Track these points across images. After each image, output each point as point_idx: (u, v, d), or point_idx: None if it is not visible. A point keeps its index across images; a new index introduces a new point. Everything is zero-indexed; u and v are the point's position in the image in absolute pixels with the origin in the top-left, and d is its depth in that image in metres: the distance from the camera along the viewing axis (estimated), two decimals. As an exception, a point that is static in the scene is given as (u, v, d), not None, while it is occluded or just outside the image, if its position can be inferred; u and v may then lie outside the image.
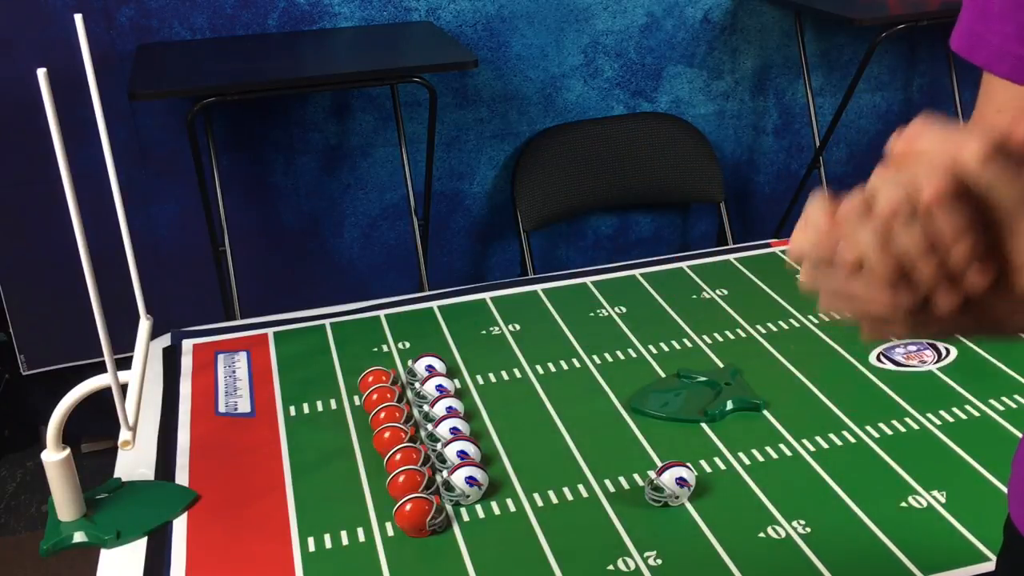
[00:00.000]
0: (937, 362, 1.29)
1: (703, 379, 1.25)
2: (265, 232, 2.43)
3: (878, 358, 1.31)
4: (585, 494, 1.07)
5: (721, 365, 1.29)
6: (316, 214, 2.45)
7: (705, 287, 1.52)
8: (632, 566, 0.96)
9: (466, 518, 1.04)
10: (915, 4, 2.35)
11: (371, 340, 1.39)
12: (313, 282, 2.52)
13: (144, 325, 1.14)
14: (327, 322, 1.44)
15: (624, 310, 1.46)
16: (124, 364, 1.01)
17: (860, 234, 0.48)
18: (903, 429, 1.16)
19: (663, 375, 1.28)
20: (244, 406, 1.24)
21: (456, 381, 1.27)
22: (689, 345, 1.36)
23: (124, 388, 0.99)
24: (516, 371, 1.31)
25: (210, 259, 2.23)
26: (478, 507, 1.05)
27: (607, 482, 1.09)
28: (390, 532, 1.02)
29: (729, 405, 1.20)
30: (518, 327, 1.42)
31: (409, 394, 1.24)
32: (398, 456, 1.08)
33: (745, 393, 1.22)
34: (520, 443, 1.16)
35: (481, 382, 1.28)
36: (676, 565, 0.97)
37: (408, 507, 1.00)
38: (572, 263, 2.69)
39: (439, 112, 2.21)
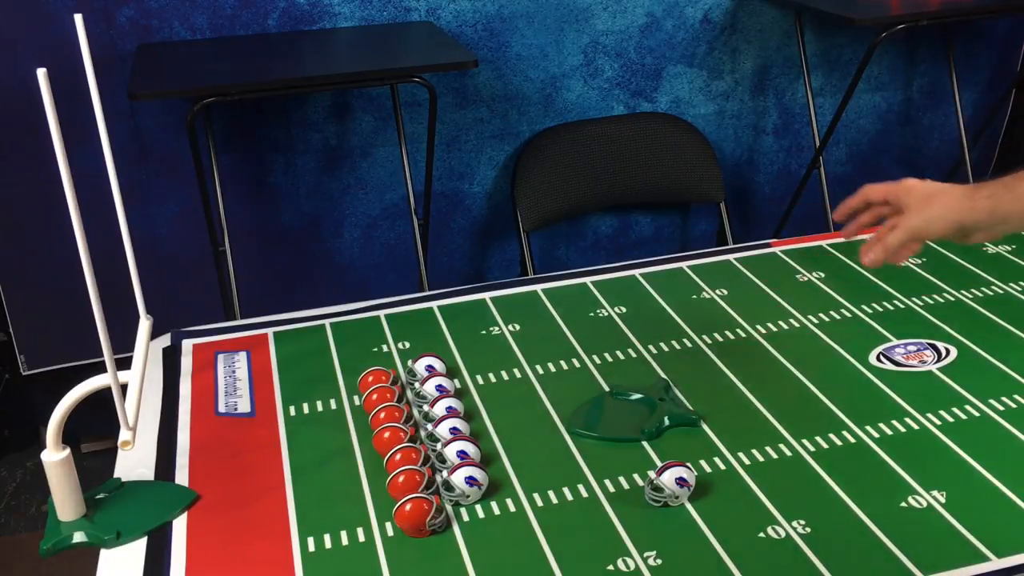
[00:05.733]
0: (937, 362, 1.29)
1: (637, 396, 1.23)
2: (265, 232, 2.43)
3: (878, 358, 1.31)
4: (585, 494, 1.07)
5: (660, 374, 1.28)
6: (316, 214, 2.45)
7: (705, 287, 1.52)
8: (632, 566, 0.96)
9: (466, 518, 1.04)
10: (915, 4, 2.35)
11: (371, 340, 1.39)
12: (313, 282, 2.52)
13: (144, 325, 1.14)
14: (327, 322, 1.44)
15: (624, 310, 1.46)
16: (124, 364, 1.01)
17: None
18: (903, 429, 1.16)
19: (663, 375, 1.28)
20: (244, 406, 1.24)
21: (456, 381, 1.27)
22: (689, 345, 1.36)
23: (124, 388, 0.99)
24: (516, 371, 1.31)
25: (210, 259, 2.23)
26: (478, 507, 1.05)
27: (607, 482, 1.09)
28: (390, 532, 1.02)
29: (666, 421, 1.18)
30: (518, 327, 1.42)
31: (409, 394, 1.24)
32: (398, 456, 1.08)
33: (680, 408, 1.20)
34: (520, 443, 1.16)
35: (481, 382, 1.29)
36: (676, 565, 0.97)
37: (408, 507, 1.00)
38: (572, 263, 2.69)
39: (439, 112, 2.21)
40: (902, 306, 1.44)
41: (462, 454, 1.09)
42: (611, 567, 0.96)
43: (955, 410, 1.19)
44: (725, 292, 1.50)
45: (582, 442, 1.16)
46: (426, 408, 1.19)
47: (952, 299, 1.45)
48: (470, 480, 1.05)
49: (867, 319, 1.41)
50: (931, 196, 1.10)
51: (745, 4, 2.54)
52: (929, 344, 1.33)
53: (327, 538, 1.01)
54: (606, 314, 1.45)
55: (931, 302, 1.44)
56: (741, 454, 1.13)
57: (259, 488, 1.09)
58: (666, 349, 1.35)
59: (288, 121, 2.33)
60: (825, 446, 1.14)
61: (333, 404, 1.25)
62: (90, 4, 2.09)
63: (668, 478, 1.04)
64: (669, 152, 2.52)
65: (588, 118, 2.55)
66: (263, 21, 2.23)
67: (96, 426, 2.21)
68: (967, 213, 1.07)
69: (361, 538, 1.01)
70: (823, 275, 1.54)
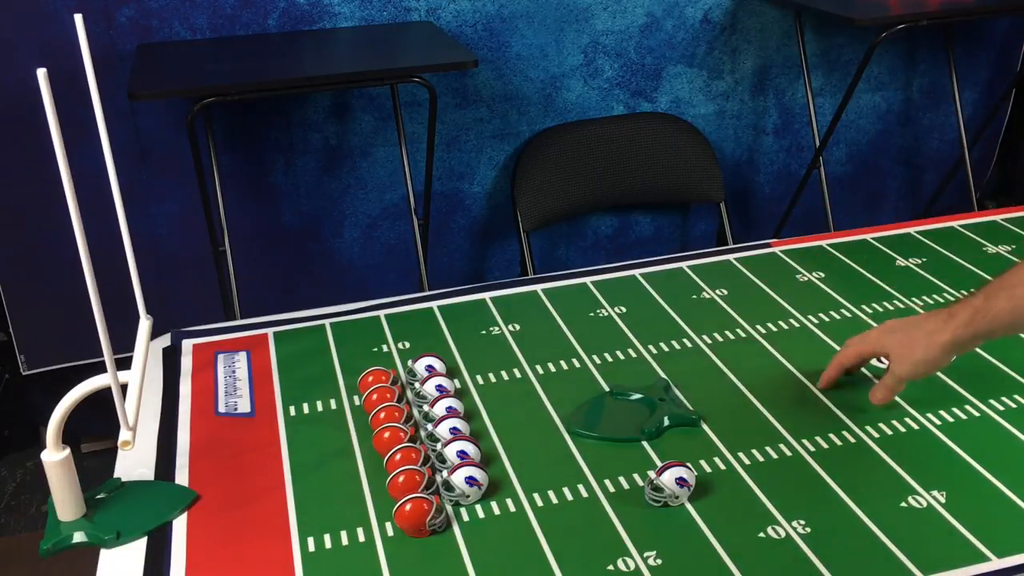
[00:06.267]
0: (937, 362, 1.29)
1: (637, 396, 1.23)
2: (265, 232, 2.43)
3: (879, 358, 1.31)
4: (585, 494, 1.07)
5: (660, 374, 1.28)
6: (316, 214, 2.45)
7: (705, 287, 1.52)
8: (632, 566, 0.96)
9: (466, 518, 1.04)
10: (915, 4, 2.35)
11: (371, 340, 1.39)
12: (313, 282, 2.52)
13: (144, 325, 1.14)
14: (327, 322, 1.44)
15: (624, 310, 1.46)
16: (124, 364, 1.01)
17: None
18: (903, 429, 1.16)
19: (663, 375, 1.28)
20: (244, 406, 1.24)
21: (456, 381, 1.27)
22: (689, 345, 1.36)
23: (124, 388, 0.99)
24: (516, 371, 1.31)
25: (210, 259, 2.23)
26: (478, 507, 1.05)
27: (607, 482, 1.09)
28: (390, 532, 1.02)
29: (666, 422, 1.18)
30: (518, 327, 1.42)
31: (409, 394, 1.24)
32: (398, 456, 1.08)
33: (680, 408, 1.20)
34: (520, 443, 1.16)
35: (481, 382, 1.29)
36: (676, 565, 0.97)
37: (408, 507, 1.00)
38: (572, 263, 2.69)
39: (439, 112, 2.21)
40: (902, 306, 1.44)
41: (462, 454, 1.09)
42: (611, 567, 0.96)
43: (955, 410, 1.19)
44: (725, 292, 1.50)
45: (582, 442, 1.16)
46: (426, 408, 1.19)
47: (952, 299, 1.45)
48: (470, 480, 1.05)
49: (867, 319, 1.41)
50: (910, 341, 1.15)
51: (745, 4, 2.54)
52: (929, 344, 1.33)
53: (327, 538, 1.01)
54: (606, 314, 1.45)
55: (931, 302, 1.44)
56: (741, 454, 1.13)
57: (259, 488, 1.09)
58: (666, 349, 1.35)
59: (288, 121, 2.33)
60: (825, 446, 1.14)
61: (333, 404, 1.25)
62: (90, 4, 2.09)
63: (668, 478, 1.04)
64: (669, 152, 2.52)
65: (588, 118, 2.55)
66: (263, 21, 2.23)
67: (96, 426, 2.22)
68: (950, 347, 1.13)
69: (361, 538, 1.01)
70: (823, 275, 1.54)
